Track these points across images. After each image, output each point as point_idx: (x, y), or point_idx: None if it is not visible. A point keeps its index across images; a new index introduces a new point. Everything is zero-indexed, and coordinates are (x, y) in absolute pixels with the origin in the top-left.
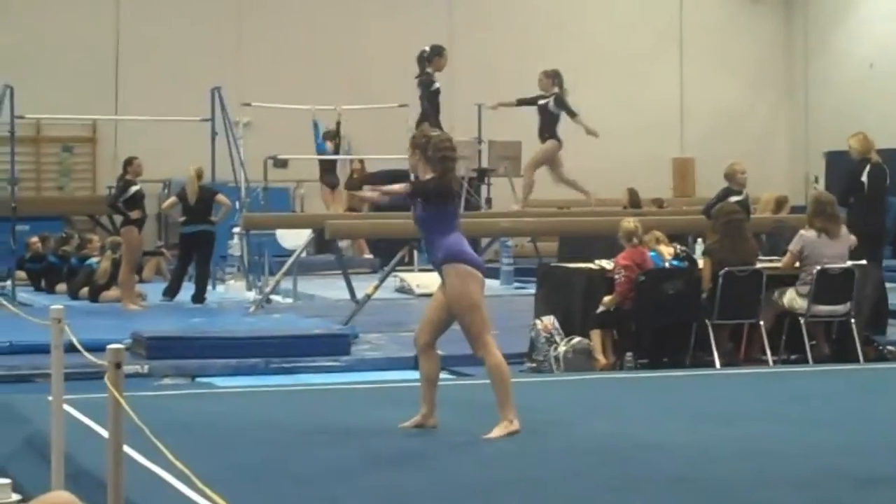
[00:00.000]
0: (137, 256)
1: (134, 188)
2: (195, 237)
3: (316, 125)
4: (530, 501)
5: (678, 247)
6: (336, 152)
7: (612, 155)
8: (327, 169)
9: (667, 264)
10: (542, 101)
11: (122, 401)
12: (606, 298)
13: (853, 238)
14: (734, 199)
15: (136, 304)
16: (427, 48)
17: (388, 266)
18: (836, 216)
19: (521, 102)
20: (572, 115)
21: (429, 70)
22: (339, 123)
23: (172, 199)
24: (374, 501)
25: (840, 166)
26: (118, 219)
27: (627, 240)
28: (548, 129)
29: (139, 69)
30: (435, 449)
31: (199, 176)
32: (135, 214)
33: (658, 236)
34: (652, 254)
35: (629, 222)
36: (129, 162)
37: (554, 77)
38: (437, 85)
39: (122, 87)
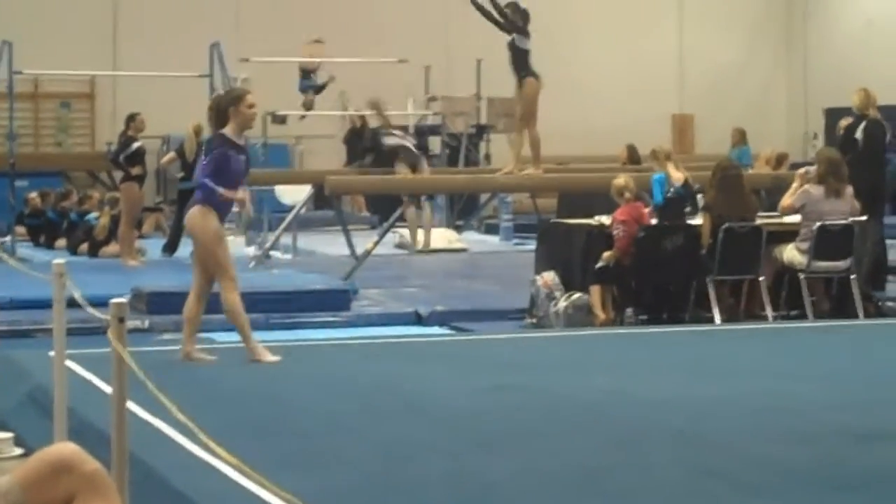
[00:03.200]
0: (137, 212)
1: (136, 144)
2: (193, 193)
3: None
4: (533, 455)
5: (689, 176)
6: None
7: (611, 112)
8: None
9: (671, 189)
10: (508, 38)
11: (125, 355)
12: (606, 254)
13: (857, 204)
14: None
15: (135, 259)
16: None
17: (387, 222)
18: (846, 176)
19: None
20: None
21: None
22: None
23: (171, 154)
24: (376, 454)
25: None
26: (117, 174)
27: (619, 195)
28: (522, 68)
29: (138, 25)
30: (436, 403)
31: (198, 132)
32: (136, 171)
33: (668, 153)
34: (659, 175)
35: (620, 178)
36: (131, 118)
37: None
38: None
39: (121, 43)
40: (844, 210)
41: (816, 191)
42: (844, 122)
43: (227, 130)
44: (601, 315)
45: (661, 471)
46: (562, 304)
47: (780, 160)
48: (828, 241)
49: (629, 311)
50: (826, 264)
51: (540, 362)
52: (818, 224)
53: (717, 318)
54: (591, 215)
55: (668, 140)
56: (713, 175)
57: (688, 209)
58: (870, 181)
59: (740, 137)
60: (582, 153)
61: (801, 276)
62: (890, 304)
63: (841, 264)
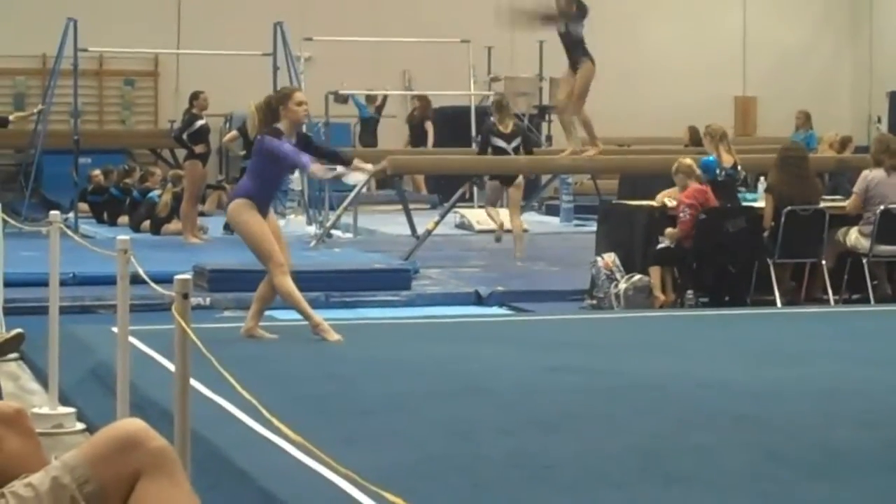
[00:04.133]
0: (200, 190)
1: (199, 122)
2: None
3: (355, 101)
4: (594, 436)
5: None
6: (378, 115)
7: (673, 93)
8: (369, 131)
9: (721, 172)
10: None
11: (189, 331)
12: (669, 230)
13: None
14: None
15: (197, 237)
16: None
17: (448, 202)
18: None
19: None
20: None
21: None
22: (385, 98)
23: (233, 133)
24: (437, 433)
25: None
26: (180, 152)
27: (687, 176)
28: (577, 52)
29: (202, 3)
30: (497, 383)
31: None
32: (199, 148)
33: (722, 133)
34: (710, 159)
35: (688, 159)
36: (195, 96)
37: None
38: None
39: (185, 21)
40: None
41: (875, 173)
42: None
43: (281, 127)
44: (661, 297)
45: (723, 454)
46: (622, 285)
47: (843, 143)
48: (891, 225)
49: (689, 293)
50: (889, 248)
51: (600, 344)
52: (881, 207)
53: (779, 301)
54: (652, 197)
55: (731, 122)
56: (777, 157)
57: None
58: None
59: (805, 120)
60: (643, 135)
61: (864, 259)
62: None
63: None
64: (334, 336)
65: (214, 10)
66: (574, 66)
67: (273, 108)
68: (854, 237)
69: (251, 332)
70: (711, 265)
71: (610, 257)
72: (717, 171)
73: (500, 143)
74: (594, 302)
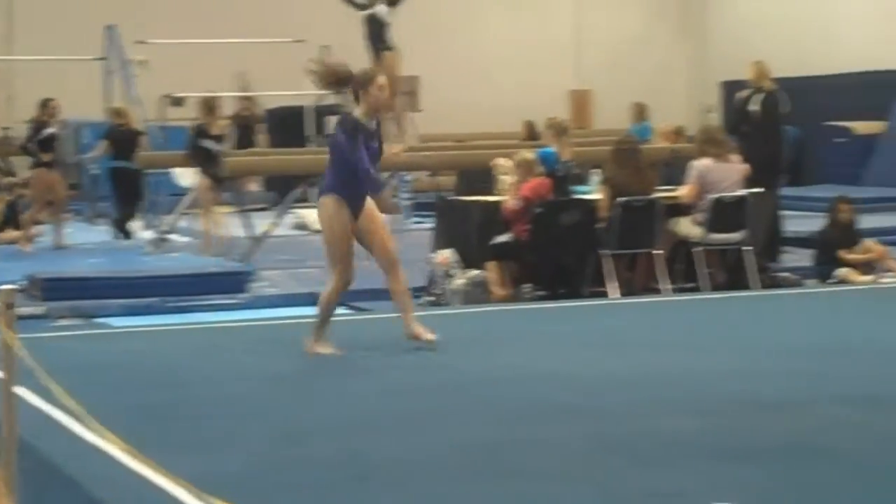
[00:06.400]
0: (51, 197)
1: (48, 130)
2: (126, 171)
3: None
4: (430, 432)
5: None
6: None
7: (509, 88)
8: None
9: (560, 166)
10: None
11: (13, 341)
12: (505, 228)
13: (745, 166)
14: None
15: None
16: None
17: (283, 202)
18: (724, 143)
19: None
20: None
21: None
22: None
23: (103, 144)
24: (272, 437)
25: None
26: (24, 160)
27: (527, 171)
28: (379, 39)
29: (35, 8)
30: (336, 383)
31: (120, 114)
32: (47, 157)
33: (563, 127)
34: (548, 150)
35: (528, 154)
36: (44, 104)
37: None
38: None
39: (17, 27)
40: (735, 178)
41: (703, 162)
42: (740, 95)
43: (359, 113)
44: (499, 291)
45: (559, 446)
46: (459, 281)
47: (677, 134)
48: (723, 214)
49: (527, 287)
50: (721, 236)
51: (438, 339)
52: (713, 196)
53: (614, 292)
54: (490, 192)
55: (567, 116)
56: (612, 150)
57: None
58: (766, 153)
59: (639, 112)
60: (481, 130)
61: (697, 248)
62: (784, 275)
63: (735, 236)
64: (328, 350)
65: (47, 16)
66: (376, 57)
67: (353, 92)
68: (687, 226)
69: (415, 334)
70: (547, 258)
71: (446, 253)
72: (556, 165)
73: (209, 144)
74: (433, 298)
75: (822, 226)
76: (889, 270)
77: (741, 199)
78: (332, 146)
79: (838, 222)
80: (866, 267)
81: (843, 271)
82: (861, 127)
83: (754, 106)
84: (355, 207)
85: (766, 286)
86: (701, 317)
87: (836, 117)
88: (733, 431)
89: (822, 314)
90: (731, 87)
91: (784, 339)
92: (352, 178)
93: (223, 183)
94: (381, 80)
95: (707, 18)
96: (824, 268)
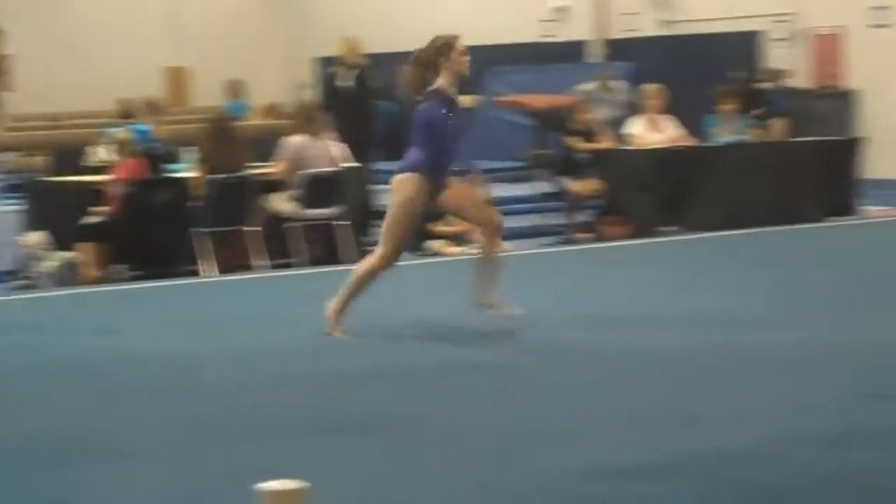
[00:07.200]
0: None
1: None
2: None
3: None
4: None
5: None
6: None
7: (102, 65)
8: None
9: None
10: None
11: None
12: (97, 209)
13: (341, 144)
14: None
15: None
16: None
17: None
18: (319, 119)
19: None
20: None
21: None
22: None
23: None
24: None
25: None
26: None
27: (121, 151)
28: None
29: None
30: None
31: None
32: None
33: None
34: (142, 127)
35: (121, 133)
36: None
37: None
38: None
39: None
40: (330, 154)
41: (296, 139)
42: (331, 70)
43: (442, 84)
44: (91, 273)
45: (148, 427)
46: (50, 263)
47: (272, 110)
48: (317, 189)
49: (121, 267)
50: (315, 212)
51: (27, 323)
52: (307, 172)
53: (210, 270)
54: (82, 172)
55: (163, 93)
56: (206, 127)
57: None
58: (358, 128)
59: (235, 89)
60: (76, 109)
61: (292, 224)
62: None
63: (329, 211)
64: (338, 332)
65: None
66: None
67: (430, 64)
68: (282, 202)
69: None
70: (141, 238)
71: (36, 236)
72: (150, 143)
73: None
74: (23, 282)
75: None
76: (476, 242)
77: (336, 174)
78: (416, 124)
79: None
80: (462, 239)
81: (436, 243)
82: None
83: (347, 82)
84: (439, 184)
85: (358, 259)
86: (297, 292)
87: None
88: (328, 404)
89: (412, 286)
90: (325, 64)
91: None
92: (438, 154)
93: None
94: (461, 44)
95: None
96: (415, 240)
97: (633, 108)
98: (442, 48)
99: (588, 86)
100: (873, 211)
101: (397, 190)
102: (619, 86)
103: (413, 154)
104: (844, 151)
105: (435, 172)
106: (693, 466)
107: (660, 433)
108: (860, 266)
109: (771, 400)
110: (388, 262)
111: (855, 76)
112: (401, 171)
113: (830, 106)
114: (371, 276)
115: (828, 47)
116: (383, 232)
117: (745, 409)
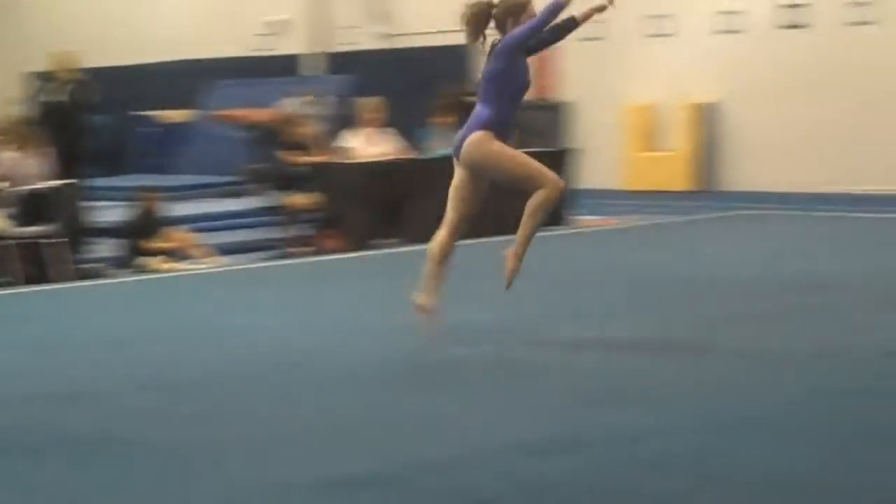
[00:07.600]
0: None
1: None
2: None
3: None
4: None
5: None
6: None
7: None
8: None
9: None
10: None
11: None
12: None
13: (52, 158)
14: None
15: None
16: None
17: None
18: (30, 135)
19: None
20: None
21: None
22: None
23: None
24: None
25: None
26: None
27: None
28: None
29: None
30: None
31: None
32: None
33: None
34: None
35: None
36: None
37: None
38: None
39: None
40: (39, 171)
41: (9, 155)
42: (44, 85)
43: None
44: None
45: None
46: None
47: None
48: (32, 206)
49: None
50: (29, 230)
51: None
52: (22, 189)
53: None
54: None
55: None
56: None
57: None
58: (71, 143)
59: None
60: None
61: (6, 242)
62: (91, 265)
63: (42, 229)
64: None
65: None
66: None
67: (499, 20)
68: None
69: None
70: None
71: None
72: None
73: None
74: None
75: (129, 215)
76: (190, 258)
77: (53, 190)
78: (489, 76)
79: (143, 211)
80: (178, 255)
81: (149, 260)
82: (170, 115)
83: (60, 97)
84: (504, 136)
85: (73, 278)
86: (9, 312)
87: (149, 107)
88: (30, 426)
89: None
90: (40, 79)
91: (91, 330)
92: (504, 108)
93: None
94: (532, 7)
95: (17, 7)
96: (126, 257)
97: (344, 122)
98: (517, 7)
99: (294, 100)
100: (586, 220)
101: (478, 154)
102: (327, 100)
103: (478, 113)
104: (556, 162)
105: (498, 128)
106: (393, 476)
107: (356, 443)
108: (570, 275)
109: (474, 408)
110: (557, 183)
111: (567, 88)
112: (465, 136)
113: (545, 118)
114: (551, 204)
115: (544, 60)
116: (529, 186)
117: (445, 419)
